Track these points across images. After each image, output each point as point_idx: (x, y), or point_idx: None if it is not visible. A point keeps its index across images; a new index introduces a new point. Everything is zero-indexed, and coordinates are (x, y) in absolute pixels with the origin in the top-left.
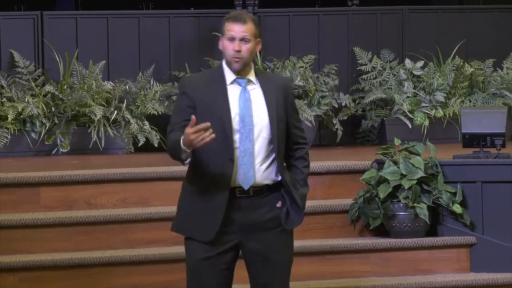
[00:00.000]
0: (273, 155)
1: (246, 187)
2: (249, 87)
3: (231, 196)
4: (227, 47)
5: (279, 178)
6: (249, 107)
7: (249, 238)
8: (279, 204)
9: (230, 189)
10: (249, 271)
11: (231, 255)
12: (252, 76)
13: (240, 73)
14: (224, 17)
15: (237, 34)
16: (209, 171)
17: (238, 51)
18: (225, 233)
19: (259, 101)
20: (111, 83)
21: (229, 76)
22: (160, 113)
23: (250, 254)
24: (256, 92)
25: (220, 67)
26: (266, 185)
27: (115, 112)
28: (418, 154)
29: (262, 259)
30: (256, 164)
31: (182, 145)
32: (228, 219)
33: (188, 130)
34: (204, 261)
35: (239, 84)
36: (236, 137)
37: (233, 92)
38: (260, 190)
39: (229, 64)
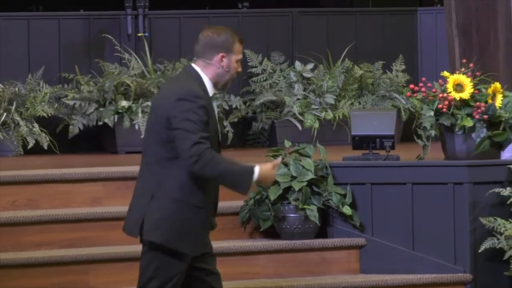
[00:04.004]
0: None
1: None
2: None
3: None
4: (234, 67)
5: None
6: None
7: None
8: None
9: (215, 203)
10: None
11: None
12: None
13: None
14: (232, 35)
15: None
16: (209, 186)
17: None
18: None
19: None
20: (0, 85)
21: (211, 90)
22: (49, 115)
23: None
24: None
25: (200, 78)
26: None
27: (4, 114)
28: (308, 156)
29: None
30: None
31: (254, 180)
32: None
33: (273, 171)
34: (180, 274)
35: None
36: None
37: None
38: None
39: (222, 82)
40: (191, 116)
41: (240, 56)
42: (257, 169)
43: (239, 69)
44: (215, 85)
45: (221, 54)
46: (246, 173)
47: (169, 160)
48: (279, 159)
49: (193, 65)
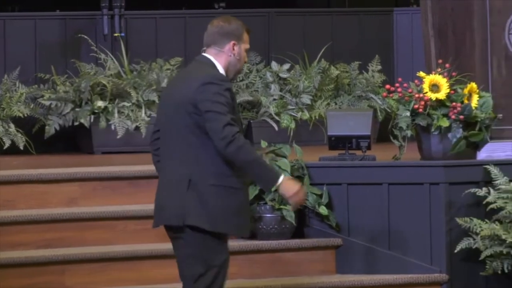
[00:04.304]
0: None
1: None
2: None
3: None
4: (243, 56)
5: None
6: None
7: None
8: None
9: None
10: None
11: None
12: None
13: None
14: (242, 25)
15: None
16: (236, 171)
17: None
18: None
19: None
20: None
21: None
22: (25, 115)
23: None
24: None
25: (214, 65)
26: None
27: None
28: (285, 157)
29: None
30: None
31: (279, 182)
32: None
33: (298, 187)
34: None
35: None
36: None
37: None
38: None
39: (233, 71)
40: (219, 98)
41: (248, 46)
42: (283, 176)
43: (246, 59)
44: (226, 73)
45: (233, 41)
46: (274, 172)
47: (201, 146)
48: (305, 189)
49: (205, 54)
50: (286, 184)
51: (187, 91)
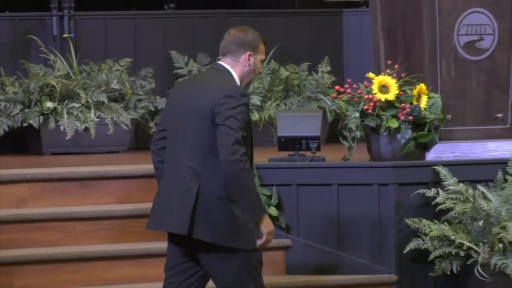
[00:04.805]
0: None
1: None
2: None
3: None
4: (258, 67)
5: None
6: None
7: None
8: None
9: None
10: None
11: None
12: None
13: None
14: (258, 36)
15: None
16: None
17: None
18: None
19: None
20: None
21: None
22: None
23: None
24: None
25: (231, 75)
26: None
27: None
28: None
29: None
30: None
31: (261, 217)
32: None
33: (270, 236)
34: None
35: None
36: None
37: None
38: None
39: (246, 81)
40: (236, 113)
41: (263, 57)
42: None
43: (261, 70)
44: (240, 83)
45: (249, 52)
46: (262, 206)
47: (212, 159)
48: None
49: (221, 62)
50: (266, 221)
51: (207, 101)
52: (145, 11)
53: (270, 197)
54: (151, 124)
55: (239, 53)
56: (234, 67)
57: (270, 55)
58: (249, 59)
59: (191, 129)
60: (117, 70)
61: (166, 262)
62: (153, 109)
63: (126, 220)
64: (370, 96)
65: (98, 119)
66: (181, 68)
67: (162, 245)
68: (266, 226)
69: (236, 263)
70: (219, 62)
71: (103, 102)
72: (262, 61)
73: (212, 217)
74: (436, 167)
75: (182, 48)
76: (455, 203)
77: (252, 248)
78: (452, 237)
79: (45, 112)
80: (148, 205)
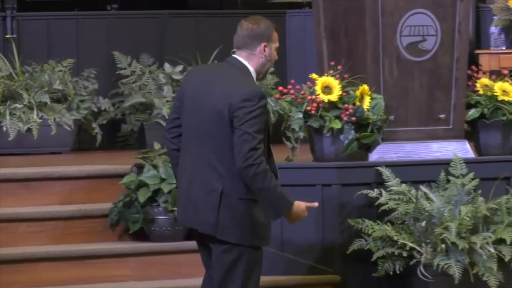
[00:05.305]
0: None
1: None
2: None
3: None
4: (274, 55)
5: None
6: None
7: None
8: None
9: None
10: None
11: None
12: None
13: None
14: (271, 25)
15: None
16: None
17: None
18: None
19: None
20: None
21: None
22: None
23: None
24: None
25: (248, 70)
26: None
27: None
28: None
29: None
30: None
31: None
32: None
33: (305, 212)
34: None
35: None
36: None
37: None
38: None
39: (263, 71)
40: (254, 117)
41: (277, 44)
42: (294, 205)
43: (276, 57)
44: (257, 75)
45: (264, 43)
46: (286, 203)
47: (233, 159)
48: (316, 204)
49: (237, 56)
50: (295, 215)
51: (226, 104)
52: (88, 12)
53: None
54: (94, 125)
55: (254, 45)
56: (250, 60)
57: (213, 56)
58: (264, 50)
59: (211, 129)
60: (60, 70)
61: (201, 259)
62: (96, 109)
63: (69, 221)
64: (313, 97)
65: (41, 120)
66: (124, 68)
67: (105, 246)
68: (292, 219)
69: (242, 256)
70: (234, 56)
71: (45, 103)
72: (277, 49)
73: (236, 218)
74: (379, 168)
75: (125, 48)
76: (398, 204)
77: (266, 245)
78: (395, 238)
79: None
80: (92, 206)
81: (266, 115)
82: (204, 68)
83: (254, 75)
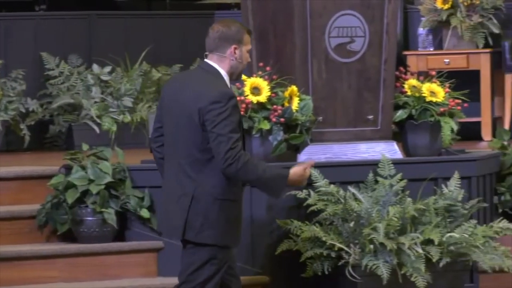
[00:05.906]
0: None
1: None
2: None
3: None
4: (246, 57)
5: None
6: None
7: None
8: None
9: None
10: None
11: None
12: None
13: None
14: (241, 27)
15: None
16: (239, 183)
17: None
18: None
19: None
20: None
21: (228, 83)
22: None
23: None
24: None
25: (219, 74)
26: None
27: None
28: (106, 159)
29: None
30: None
31: (287, 184)
32: None
33: (305, 172)
34: (225, 267)
35: None
36: None
37: None
38: None
39: (236, 73)
40: (225, 119)
41: (250, 47)
42: (290, 172)
43: (249, 59)
44: (230, 77)
45: (234, 46)
46: (280, 178)
47: (206, 161)
48: (312, 161)
49: (208, 61)
50: (295, 181)
51: (195, 107)
52: (16, 13)
53: (142, 199)
54: (22, 126)
55: (224, 47)
56: (222, 63)
57: (142, 57)
58: (234, 53)
59: (185, 134)
60: None
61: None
62: (24, 110)
63: None
64: (242, 98)
65: None
66: (52, 69)
67: (33, 248)
68: (294, 184)
69: (213, 256)
70: (206, 60)
71: None
72: (249, 51)
73: (208, 219)
74: None
75: (53, 49)
76: (326, 205)
77: (237, 245)
78: (324, 239)
79: None
80: (20, 208)
81: (238, 114)
82: (179, 75)
83: (226, 77)
